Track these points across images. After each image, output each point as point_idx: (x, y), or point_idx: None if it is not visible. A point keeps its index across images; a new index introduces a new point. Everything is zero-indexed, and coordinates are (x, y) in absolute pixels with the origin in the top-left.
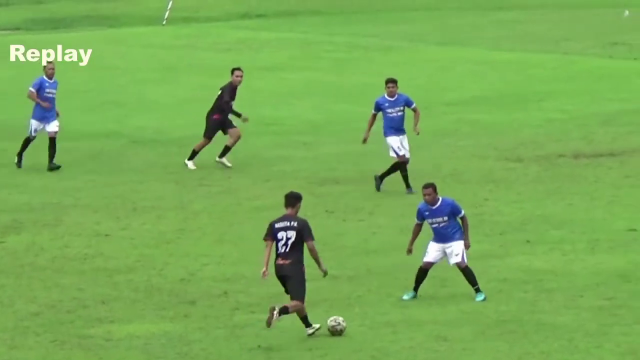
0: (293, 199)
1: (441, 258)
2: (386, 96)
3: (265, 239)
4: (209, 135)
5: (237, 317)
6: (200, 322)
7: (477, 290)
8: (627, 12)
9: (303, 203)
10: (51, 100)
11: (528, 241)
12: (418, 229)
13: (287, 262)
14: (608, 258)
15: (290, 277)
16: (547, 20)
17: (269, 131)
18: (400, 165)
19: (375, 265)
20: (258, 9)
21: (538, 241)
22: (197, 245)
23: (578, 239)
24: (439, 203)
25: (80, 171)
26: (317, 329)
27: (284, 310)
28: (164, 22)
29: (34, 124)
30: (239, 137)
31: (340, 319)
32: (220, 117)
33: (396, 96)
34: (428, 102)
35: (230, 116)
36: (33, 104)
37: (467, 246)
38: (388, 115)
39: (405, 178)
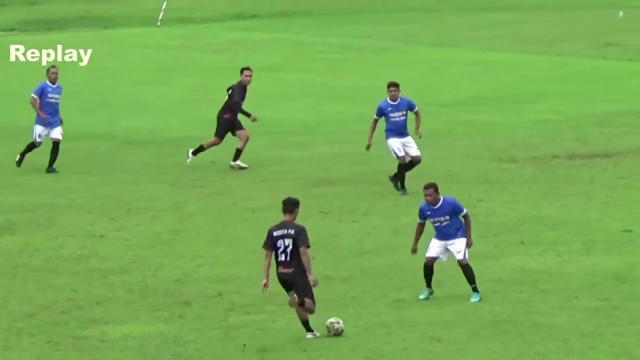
0: (291, 205)
1: (443, 253)
2: (389, 100)
3: (264, 247)
4: (219, 134)
5: (231, 318)
6: (194, 323)
7: (474, 290)
8: (621, 13)
9: None
10: (54, 106)
11: (523, 242)
12: (421, 228)
13: (290, 270)
14: (603, 259)
15: (296, 284)
16: (541, 21)
17: (263, 132)
18: (400, 166)
19: (369, 266)
20: (252, 9)
21: (533, 242)
22: (191, 246)
23: (573, 239)
24: (440, 203)
25: (74, 172)
26: (317, 336)
27: (306, 324)
28: (159, 23)
29: (38, 129)
30: (247, 139)
31: (341, 321)
32: (230, 117)
33: (399, 100)
34: (422, 103)
35: (240, 117)
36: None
37: (469, 244)
38: (391, 119)
39: (402, 179)
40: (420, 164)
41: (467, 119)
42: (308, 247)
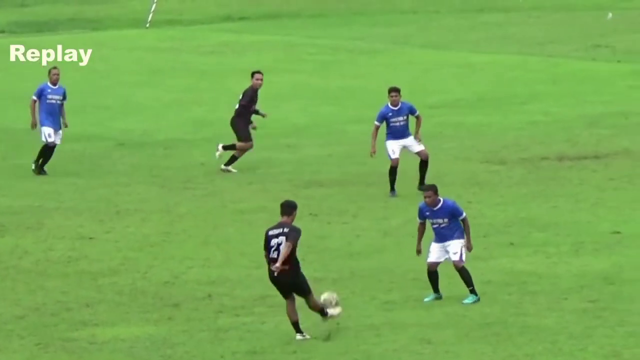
0: (288, 208)
1: (444, 257)
2: (390, 105)
3: (264, 249)
4: (245, 138)
5: (221, 320)
6: (184, 325)
7: (472, 292)
8: (610, 15)
9: None
10: (54, 107)
11: (512, 244)
12: (422, 227)
13: (285, 267)
14: (592, 260)
15: (292, 283)
16: (530, 23)
17: (253, 134)
18: (392, 168)
19: (359, 267)
20: (241, 11)
21: (522, 244)
22: (181, 248)
23: (562, 241)
24: (439, 205)
25: (64, 174)
26: (306, 338)
27: (322, 313)
28: (148, 25)
29: (45, 130)
30: (248, 149)
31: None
32: (242, 120)
33: (400, 105)
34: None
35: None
36: (36, 109)
37: (468, 248)
38: (392, 124)
39: (392, 182)
40: (406, 165)
41: (456, 121)
42: (294, 245)
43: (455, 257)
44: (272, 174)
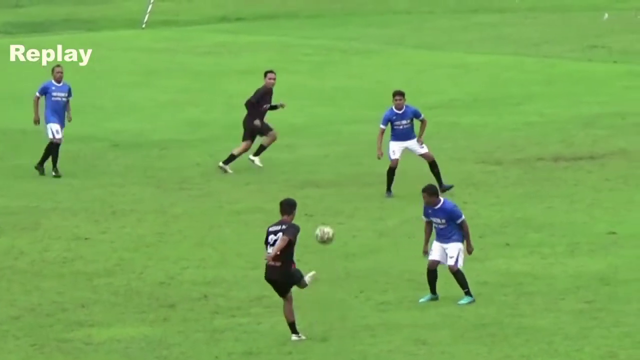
0: (288, 207)
1: (444, 257)
2: (394, 109)
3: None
4: (265, 132)
5: (216, 320)
6: (179, 325)
7: (467, 294)
8: (606, 15)
9: None
10: (60, 104)
11: (507, 244)
12: (428, 227)
13: (278, 263)
14: (588, 261)
15: (285, 281)
16: (526, 23)
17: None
18: (391, 168)
19: (354, 268)
20: (237, 12)
21: (518, 244)
22: (177, 248)
23: (558, 242)
24: (439, 205)
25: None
26: (302, 339)
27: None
28: (144, 26)
29: (52, 127)
30: (247, 149)
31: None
32: (259, 121)
33: (404, 108)
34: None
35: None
36: (41, 108)
37: (469, 251)
38: (396, 127)
39: (390, 182)
40: (402, 166)
41: (451, 121)
42: (291, 241)
43: (451, 262)
44: (268, 174)
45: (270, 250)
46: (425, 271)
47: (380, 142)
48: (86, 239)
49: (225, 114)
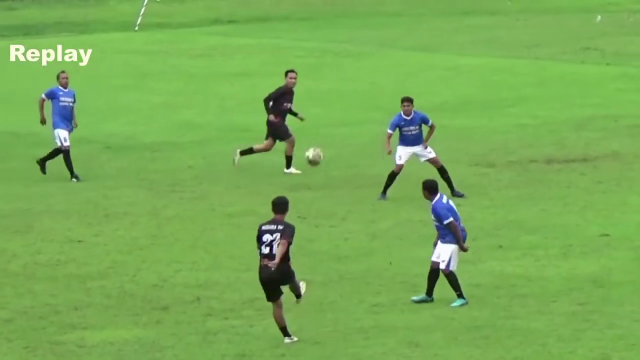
0: (282, 206)
1: None
2: (402, 115)
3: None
4: (286, 135)
5: (209, 323)
6: (172, 328)
7: (459, 296)
8: (599, 18)
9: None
10: (67, 109)
11: (501, 246)
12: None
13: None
14: (581, 263)
15: (281, 279)
16: (519, 25)
17: (241, 137)
18: (392, 173)
19: (347, 270)
20: (230, 15)
21: (511, 246)
22: (169, 251)
23: (551, 244)
24: (432, 203)
25: (52, 177)
26: (294, 341)
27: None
28: (136, 28)
29: (61, 133)
30: (268, 149)
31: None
32: (279, 118)
33: (412, 114)
34: (398, 107)
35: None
36: (47, 113)
37: (462, 250)
38: (404, 133)
39: (387, 186)
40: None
41: (444, 124)
42: (290, 243)
43: (442, 265)
44: (260, 176)
45: (265, 249)
46: (417, 273)
47: (388, 144)
48: (79, 241)
49: (218, 116)
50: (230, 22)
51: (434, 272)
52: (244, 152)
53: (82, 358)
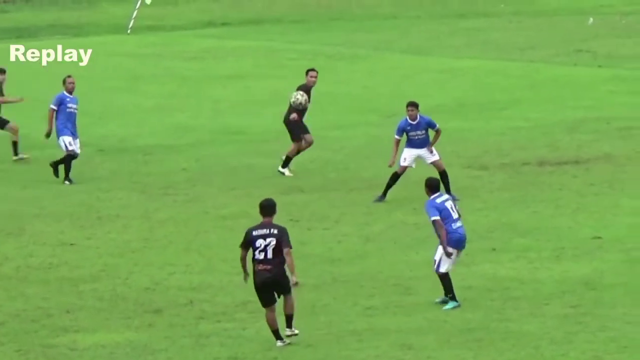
0: (271, 208)
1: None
2: (408, 119)
3: (241, 246)
4: (296, 137)
5: (202, 326)
6: (165, 331)
7: (451, 298)
8: (591, 20)
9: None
10: (74, 116)
11: (493, 249)
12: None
13: (270, 266)
14: (573, 266)
15: (278, 281)
16: (511, 28)
17: (234, 140)
18: (394, 174)
19: (340, 273)
20: (223, 17)
21: (503, 249)
22: (162, 254)
23: (543, 246)
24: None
25: (45, 180)
26: (287, 344)
27: (290, 320)
28: (129, 31)
29: (66, 139)
30: (310, 144)
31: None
32: (299, 116)
33: (418, 119)
34: (392, 110)
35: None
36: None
37: (444, 252)
38: (410, 137)
39: (388, 187)
40: (389, 171)
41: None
42: (291, 248)
43: (434, 267)
44: (253, 179)
45: (259, 254)
46: (410, 275)
47: (395, 151)
48: (71, 244)
49: (211, 119)
50: (223, 24)
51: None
52: (285, 165)
53: None
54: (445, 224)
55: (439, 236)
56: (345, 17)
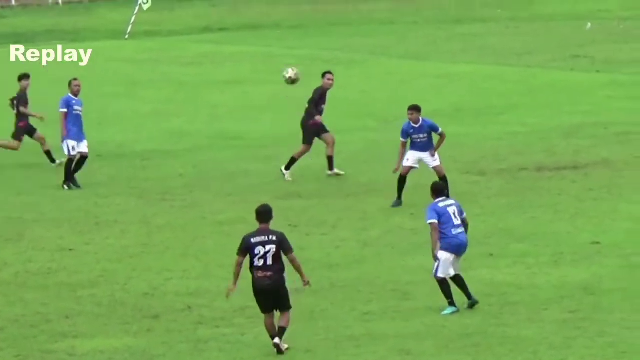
0: (268, 214)
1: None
2: (410, 123)
3: (238, 254)
4: (308, 141)
5: (200, 331)
6: (163, 336)
7: (450, 304)
8: (589, 25)
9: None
10: (80, 118)
11: (491, 254)
12: None
13: (270, 273)
14: (572, 271)
15: (277, 290)
16: (509, 33)
17: (232, 145)
18: (400, 177)
19: (338, 279)
20: (220, 23)
21: (501, 254)
22: (160, 259)
23: (542, 252)
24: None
25: (43, 186)
26: (286, 349)
27: (282, 331)
28: (127, 36)
29: (70, 143)
30: (334, 142)
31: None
32: (319, 119)
33: (420, 122)
34: (389, 115)
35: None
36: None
37: (433, 256)
38: (414, 140)
39: (400, 190)
40: (386, 176)
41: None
42: (293, 251)
43: (433, 271)
44: (250, 185)
45: (259, 262)
46: (408, 281)
47: (401, 156)
48: (70, 250)
49: (209, 124)
50: (220, 30)
51: (454, 277)
52: (289, 166)
53: None
54: (445, 228)
55: (431, 240)
56: (342, 22)
